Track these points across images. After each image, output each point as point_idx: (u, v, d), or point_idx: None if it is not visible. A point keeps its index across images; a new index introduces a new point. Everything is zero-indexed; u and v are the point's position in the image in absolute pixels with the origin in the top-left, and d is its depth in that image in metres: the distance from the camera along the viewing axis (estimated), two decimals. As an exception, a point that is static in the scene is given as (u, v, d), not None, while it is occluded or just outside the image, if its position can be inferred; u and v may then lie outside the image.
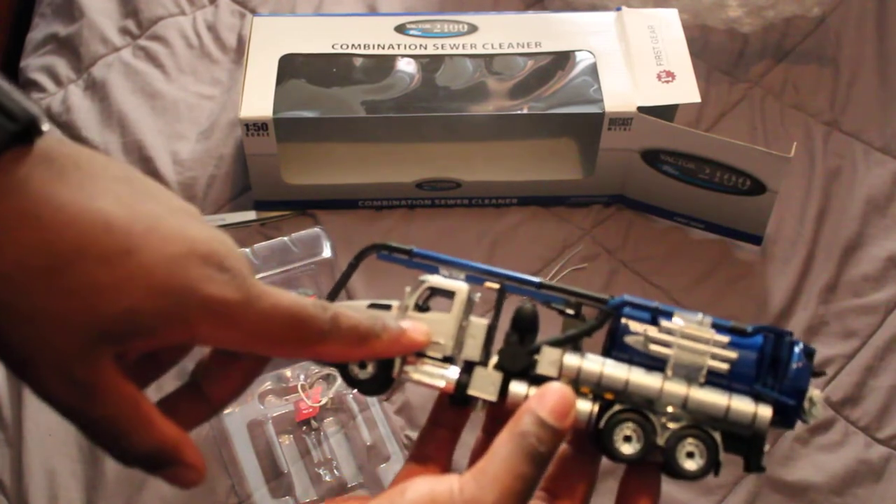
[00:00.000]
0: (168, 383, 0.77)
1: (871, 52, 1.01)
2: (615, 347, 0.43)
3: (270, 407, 0.74)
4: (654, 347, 0.43)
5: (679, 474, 0.42)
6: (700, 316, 0.43)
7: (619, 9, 0.89)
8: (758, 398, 0.42)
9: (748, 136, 0.93)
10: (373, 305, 0.44)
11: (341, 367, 0.44)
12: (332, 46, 0.86)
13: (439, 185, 0.86)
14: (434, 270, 0.45)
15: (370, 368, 0.44)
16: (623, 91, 0.82)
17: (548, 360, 0.43)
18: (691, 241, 0.85)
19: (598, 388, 0.43)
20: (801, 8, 0.97)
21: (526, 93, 0.83)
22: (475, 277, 0.45)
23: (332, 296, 0.45)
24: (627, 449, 0.42)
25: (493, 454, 0.40)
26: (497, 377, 0.44)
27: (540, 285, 0.45)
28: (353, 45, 0.86)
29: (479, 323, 0.44)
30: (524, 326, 0.44)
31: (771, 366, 0.43)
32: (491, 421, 0.47)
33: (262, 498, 0.69)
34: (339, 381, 0.74)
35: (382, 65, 0.85)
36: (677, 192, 0.83)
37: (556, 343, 0.44)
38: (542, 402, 0.40)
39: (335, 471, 0.71)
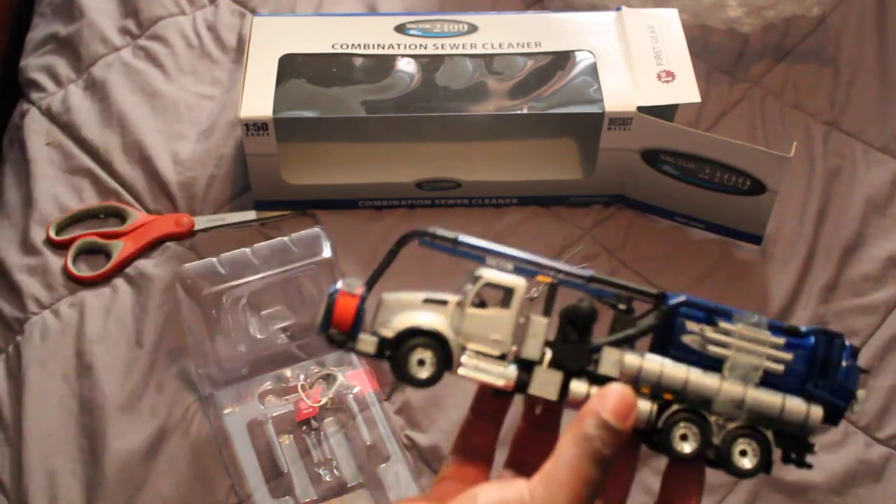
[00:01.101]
0: (168, 383, 0.77)
1: (871, 52, 1.01)
2: (672, 346, 0.44)
3: (270, 407, 0.74)
4: (712, 348, 0.43)
5: (735, 472, 0.43)
6: (756, 317, 0.44)
7: (619, 9, 0.89)
8: (809, 398, 0.43)
9: (748, 136, 0.93)
10: (427, 301, 0.44)
11: (398, 361, 0.43)
12: (332, 46, 0.86)
13: (439, 185, 0.86)
14: (478, 259, 0.45)
15: (428, 366, 0.43)
16: (623, 91, 0.82)
17: (608, 359, 0.44)
18: (691, 241, 0.85)
19: (657, 388, 0.43)
20: (801, 8, 0.97)
21: (526, 93, 0.83)
22: (523, 269, 0.45)
23: (371, 283, 0.44)
24: (685, 448, 0.43)
25: (558, 457, 0.40)
26: (557, 377, 0.44)
27: (591, 279, 0.45)
28: (353, 45, 0.86)
29: (540, 321, 0.44)
30: (583, 323, 0.44)
31: (822, 367, 0.44)
32: (530, 412, 0.47)
33: (262, 498, 0.69)
34: (340, 380, 0.75)
35: (382, 65, 0.85)
36: (677, 192, 0.83)
37: (616, 343, 0.44)
38: (604, 403, 0.41)
39: (335, 471, 0.71)
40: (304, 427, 0.73)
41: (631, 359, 0.43)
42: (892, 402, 0.75)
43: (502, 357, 0.44)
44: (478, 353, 0.43)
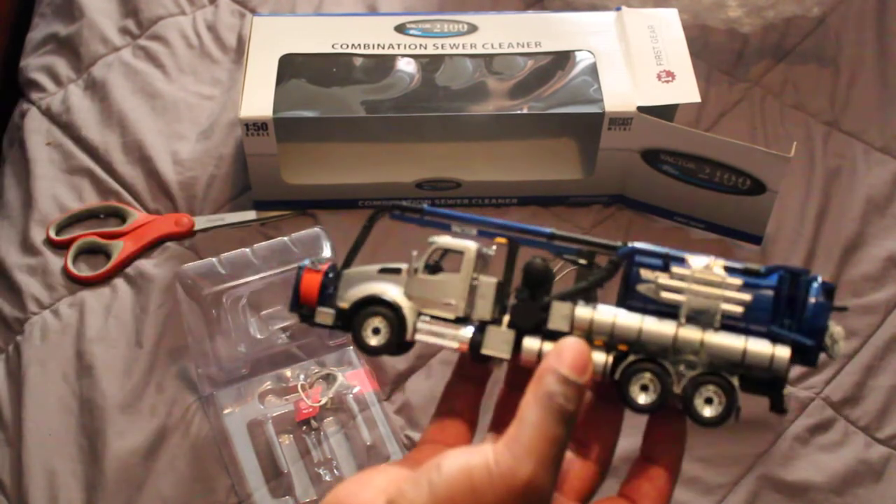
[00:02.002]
0: (168, 383, 0.77)
1: (871, 52, 1.01)
2: (628, 297, 0.43)
3: (270, 407, 0.74)
4: (665, 294, 0.42)
5: (699, 421, 0.42)
6: (711, 259, 0.42)
7: (619, 9, 0.89)
8: (775, 340, 0.42)
9: (748, 136, 0.93)
10: (383, 270, 0.45)
11: (354, 332, 0.44)
12: (332, 46, 0.86)
13: (439, 185, 0.86)
14: (447, 228, 0.45)
15: (384, 333, 0.44)
16: (623, 91, 0.82)
17: (559, 314, 0.43)
18: (691, 241, 0.85)
19: (611, 340, 0.43)
20: (801, 8, 0.97)
21: (526, 93, 0.83)
22: (487, 233, 0.45)
23: (347, 263, 0.46)
24: (644, 399, 0.42)
25: (521, 420, 0.39)
26: (510, 335, 0.43)
27: (552, 236, 0.44)
28: (353, 44, 0.86)
29: (489, 281, 0.44)
30: (535, 281, 0.43)
31: (788, 305, 0.42)
32: (513, 374, 0.47)
33: (262, 498, 0.69)
34: (340, 380, 0.75)
35: (382, 65, 0.85)
36: (677, 192, 0.83)
37: (565, 296, 0.43)
38: (560, 358, 0.40)
39: (335, 470, 0.71)
40: (304, 427, 0.73)
41: (582, 311, 0.43)
42: (892, 402, 0.75)
43: (458, 320, 0.44)
44: (433, 317, 0.44)
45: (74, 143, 0.92)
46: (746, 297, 0.42)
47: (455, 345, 0.44)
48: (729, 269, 0.42)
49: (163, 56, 0.99)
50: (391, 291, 0.44)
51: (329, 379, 0.75)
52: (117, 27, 1.02)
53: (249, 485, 0.70)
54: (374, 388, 0.75)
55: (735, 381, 0.42)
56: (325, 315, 0.45)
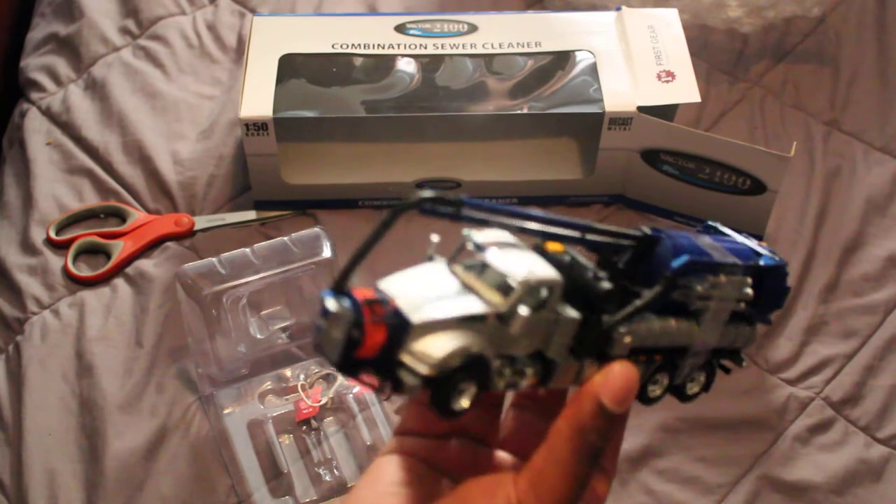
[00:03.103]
0: (168, 383, 0.77)
1: (871, 52, 1.01)
2: (663, 301, 0.40)
3: (270, 407, 0.74)
4: (699, 304, 0.42)
5: (683, 399, 0.45)
6: (733, 263, 0.43)
7: (619, 9, 0.89)
8: (750, 322, 0.45)
9: (748, 136, 0.93)
10: (464, 320, 0.36)
11: (439, 404, 0.36)
12: (332, 46, 0.86)
13: (439, 185, 0.86)
14: (480, 223, 0.37)
15: (469, 395, 0.36)
16: (623, 91, 0.82)
17: (621, 342, 0.39)
18: (691, 241, 0.85)
19: (653, 353, 0.42)
20: (801, 8, 0.97)
21: (526, 93, 0.83)
22: (530, 231, 0.39)
23: (355, 263, 0.35)
24: (656, 391, 0.43)
25: (550, 452, 0.37)
26: (575, 365, 0.39)
27: (586, 228, 0.40)
28: (353, 44, 0.86)
29: (571, 318, 0.38)
30: (598, 305, 0.38)
31: (768, 293, 0.45)
32: (522, 395, 0.44)
33: (262, 498, 0.69)
34: (339, 380, 0.75)
35: (382, 64, 0.85)
36: (677, 192, 0.83)
37: (626, 320, 0.39)
38: (606, 386, 0.37)
39: (335, 470, 0.71)
40: (304, 427, 0.73)
41: (634, 334, 0.39)
42: (892, 402, 0.75)
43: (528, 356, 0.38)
44: (513, 369, 0.37)
45: (74, 142, 0.92)
46: (751, 293, 0.44)
47: (526, 384, 0.38)
48: (744, 271, 0.44)
49: (163, 56, 0.99)
50: (481, 350, 0.36)
51: (329, 379, 0.75)
52: (117, 27, 1.02)
53: (249, 485, 0.70)
54: (374, 388, 0.75)
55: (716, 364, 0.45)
56: (412, 379, 0.35)
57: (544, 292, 0.37)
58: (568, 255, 0.39)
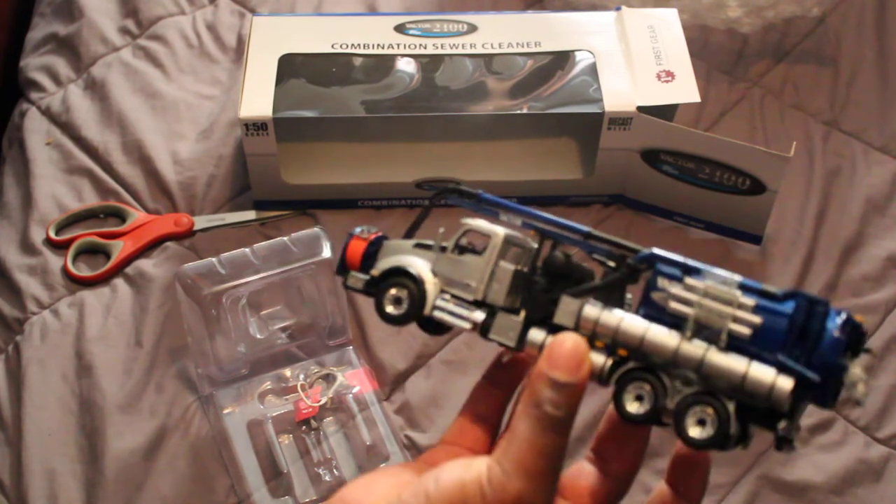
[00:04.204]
0: (168, 383, 0.77)
1: (871, 52, 1.01)
2: (643, 304, 0.42)
3: (270, 407, 0.74)
4: (674, 305, 0.41)
5: (686, 440, 0.40)
6: (729, 275, 0.41)
7: (618, 9, 0.89)
8: (783, 370, 0.39)
9: (748, 136, 0.93)
10: (418, 245, 0.45)
11: (376, 299, 0.45)
12: (332, 46, 0.86)
13: (439, 185, 0.86)
14: (494, 214, 0.46)
15: (403, 305, 0.44)
16: (623, 91, 0.82)
17: (566, 309, 0.42)
18: (691, 241, 0.85)
19: (613, 343, 0.41)
20: (801, 8, 0.97)
21: (526, 92, 0.83)
22: (530, 225, 0.45)
23: (409, 234, 0.47)
24: (635, 408, 0.41)
25: (512, 431, 0.39)
26: (518, 323, 0.43)
27: (588, 235, 0.44)
28: (352, 44, 0.86)
29: (507, 268, 0.43)
30: (553, 274, 0.43)
31: (801, 336, 0.39)
32: (493, 366, 0.47)
33: (262, 498, 0.69)
34: (339, 380, 0.75)
35: (382, 64, 0.85)
36: (677, 192, 0.83)
37: (579, 293, 0.42)
38: (550, 360, 0.40)
39: (335, 470, 0.71)
40: (304, 427, 0.73)
41: (590, 310, 0.42)
42: (892, 402, 0.75)
43: (477, 303, 0.43)
44: (454, 296, 0.44)
45: (74, 142, 0.92)
46: (756, 319, 0.39)
47: (467, 325, 0.43)
48: (744, 288, 0.40)
49: (162, 56, 0.99)
50: (418, 265, 0.45)
51: (329, 379, 0.75)
52: (117, 27, 1.02)
53: (249, 485, 0.70)
54: (373, 387, 0.75)
55: (731, 406, 0.39)
56: (356, 280, 0.46)
57: (495, 248, 0.44)
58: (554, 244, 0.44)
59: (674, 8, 0.90)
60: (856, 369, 0.39)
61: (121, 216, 0.86)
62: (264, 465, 0.71)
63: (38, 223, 0.86)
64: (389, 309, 0.45)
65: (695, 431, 0.40)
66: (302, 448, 0.72)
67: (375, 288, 0.45)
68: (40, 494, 0.69)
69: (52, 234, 0.84)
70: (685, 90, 0.82)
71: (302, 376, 0.75)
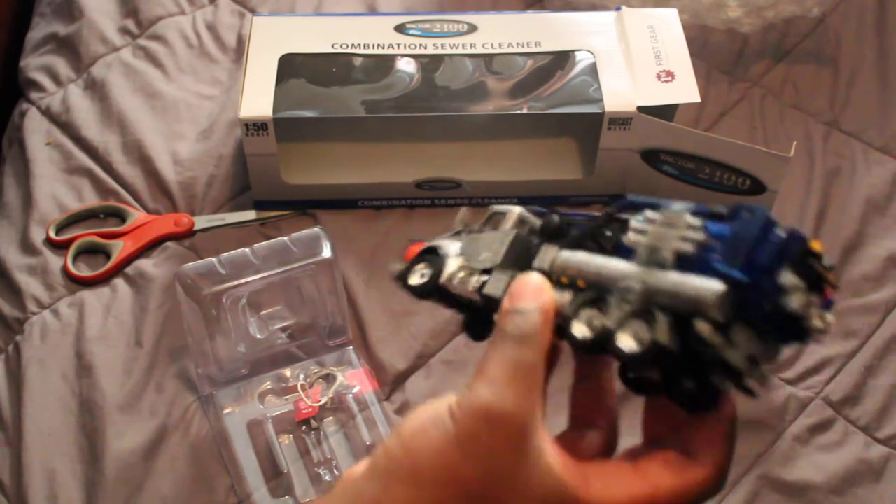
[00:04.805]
0: (168, 383, 0.77)
1: (871, 52, 1.01)
2: (616, 247, 0.42)
3: (270, 407, 0.74)
4: (631, 236, 0.41)
5: (617, 355, 0.39)
6: (685, 204, 0.40)
7: (618, 8, 0.89)
8: (719, 278, 0.37)
9: (748, 136, 0.93)
10: (455, 233, 0.49)
11: (403, 274, 0.48)
12: (332, 46, 0.86)
13: (439, 185, 0.86)
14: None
15: (426, 277, 0.47)
16: (623, 91, 0.82)
17: (543, 256, 0.44)
18: (691, 241, 0.85)
19: (575, 278, 0.42)
20: (801, 8, 0.97)
21: (526, 92, 0.83)
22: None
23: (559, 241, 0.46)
24: (581, 332, 0.40)
25: (481, 360, 0.40)
26: (508, 276, 0.44)
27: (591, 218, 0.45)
28: (352, 44, 0.86)
29: (510, 233, 0.46)
30: (549, 233, 0.45)
31: (745, 248, 0.37)
32: (580, 365, 0.47)
33: (262, 497, 0.69)
34: (339, 380, 0.75)
35: (382, 64, 0.85)
36: (677, 192, 0.83)
37: (559, 243, 0.44)
38: (513, 295, 0.41)
39: (335, 470, 0.71)
40: (304, 427, 0.73)
41: (561, 254, 0.43)
42: (892, 402, 0.75)
43: (486, 271, 0.45)
44: (471, 269, 0.46)
45: (74, 142, 0.92)
46: (700, 236, 0.39)
47: (471, 288, 0.45)
48: (695, 213, 0.40)
49: (162, 56, 0.99)
50: (447, 245, 0.48)
51: (329, 379, 0.75)
52: (117, 27, 1.02)
53: (249, 485, 0.70)
54: (373, 387, 0.75)
55: (662, 317, 0.38)
56: (399, 265, 0.49)
57: (510, 223, 0.46)
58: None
59: (674, 8, 0.90)
60: (788, 275, 0.37)
61: (121, 216, 0.86)
62: (264, 465, 0.71)
63: (38, 223, 0.86)
64: (412, 280, 0.47)
65: (626, 344, 0.38)
66: (302, 448, 0.72)
67: (406, 268, 0.48)
68: (40, 494, 0.69)
69: (52, 234, 0.84)
70: (685, 90, 0.82)
71: (302, 376, 0.75)
